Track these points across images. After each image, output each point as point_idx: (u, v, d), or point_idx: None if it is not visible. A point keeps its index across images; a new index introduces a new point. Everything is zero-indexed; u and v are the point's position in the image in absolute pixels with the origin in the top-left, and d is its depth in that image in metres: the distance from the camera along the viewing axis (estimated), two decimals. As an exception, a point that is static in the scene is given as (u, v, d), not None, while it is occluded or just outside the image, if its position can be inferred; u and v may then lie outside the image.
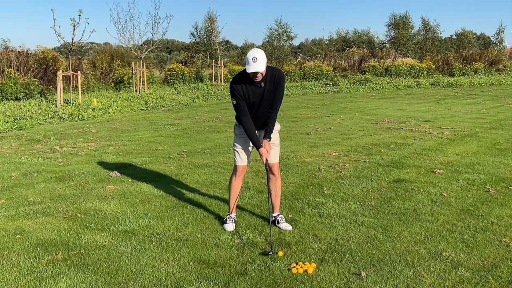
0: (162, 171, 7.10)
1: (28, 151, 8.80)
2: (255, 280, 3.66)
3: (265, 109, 4.55)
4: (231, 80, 4.55)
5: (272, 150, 4.68)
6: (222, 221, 4.85)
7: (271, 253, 4.12)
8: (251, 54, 4.27)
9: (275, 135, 4.74)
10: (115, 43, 31.53)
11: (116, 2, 55.83)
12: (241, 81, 4.46)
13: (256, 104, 4.52)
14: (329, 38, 44.32)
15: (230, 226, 4.69)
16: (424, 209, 5.25)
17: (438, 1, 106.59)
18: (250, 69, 4.27)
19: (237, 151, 4.74)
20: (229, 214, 4.83)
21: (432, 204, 5.43)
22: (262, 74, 4.35)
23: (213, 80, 26.30)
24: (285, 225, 4.72)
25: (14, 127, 11.59)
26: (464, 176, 6.54)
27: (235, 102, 4.49)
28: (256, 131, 4.60)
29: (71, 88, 17.85)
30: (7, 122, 12.07)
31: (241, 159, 4.74)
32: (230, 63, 30.50)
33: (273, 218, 4.79)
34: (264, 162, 4.62)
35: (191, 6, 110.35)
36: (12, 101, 17.35)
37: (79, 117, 13.50)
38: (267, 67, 4.43)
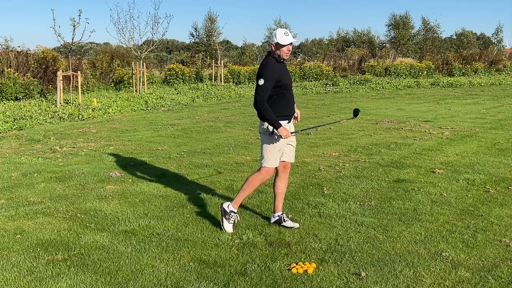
0: (162, 171, 7.11)
1: (28, 151, 8.80)
2: (255, 280, 3.66)
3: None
4: (265, 63, 4.52)
5: (293, 149, 4.79)
6: (224, 216, 4.63)
7: None
8: (282, 29, 4.61)
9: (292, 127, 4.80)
10: (115, 43, 31.63)
11: (116, 2, 56.00)
12: (275, 64, 4.54)
13: (289, 86, 4.64)
14: (329, 38, 44.41)
15: (230, 227, 4.62)
16: (424, 209, 5.26)
17: (438, 1, 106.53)
18: (290, 39, 4.53)
19: (275, 153, 4.60)
20: (233, 212, 4.64)
21: (432, 204, 5.43)
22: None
23: (213, 80, 26.30)
24: (292, 223, 4.72)
25: (14, 127, 11.59)
26: (464, 176, 6.54)
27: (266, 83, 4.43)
28: (288, 121, 4.68)
29: (71, 88, 17.85)
30: (7, 122, 12.06)
31: (277, 161, 4.67)
32: (230, 63, 30.47)
33: (278, 217, 4.78)
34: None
35: (191, 6, 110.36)
36: (12, 101, 17.35)
37: (79, 117, 13.50)
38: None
